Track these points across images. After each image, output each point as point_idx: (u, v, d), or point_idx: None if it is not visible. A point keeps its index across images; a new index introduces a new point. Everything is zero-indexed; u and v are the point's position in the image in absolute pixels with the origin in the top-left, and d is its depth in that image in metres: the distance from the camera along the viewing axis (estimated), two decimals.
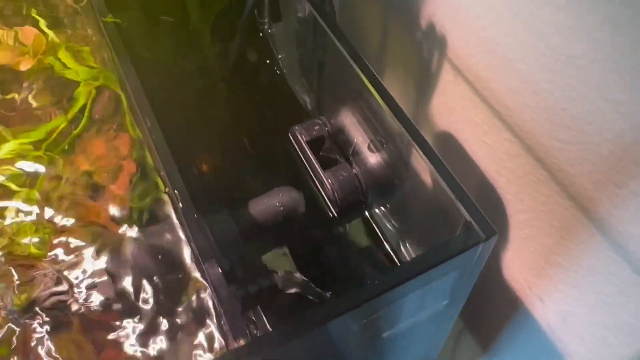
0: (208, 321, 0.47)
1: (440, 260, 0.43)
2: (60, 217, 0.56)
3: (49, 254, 0.55)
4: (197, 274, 0.48)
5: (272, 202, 0.56)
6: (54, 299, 0.50)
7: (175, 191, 0.46)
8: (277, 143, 0.69)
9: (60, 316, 0.50)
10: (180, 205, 0.45)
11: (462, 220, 0.47)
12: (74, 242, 0.54)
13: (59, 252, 0.55)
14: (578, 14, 0.46)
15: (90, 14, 0.63)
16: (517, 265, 0.66)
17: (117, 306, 0.50)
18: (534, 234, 0.61)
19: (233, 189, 0.68)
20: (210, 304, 0.48)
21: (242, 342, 0.39)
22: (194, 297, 0.48)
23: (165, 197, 0.54)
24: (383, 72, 0.78)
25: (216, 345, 0.46)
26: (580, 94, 0.49)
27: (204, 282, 0.47)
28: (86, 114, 0.62)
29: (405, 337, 0.55)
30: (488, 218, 0.49)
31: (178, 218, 0.49)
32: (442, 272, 0.44)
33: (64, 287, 0.51)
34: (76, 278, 0.52)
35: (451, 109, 0.66)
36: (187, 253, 0.50)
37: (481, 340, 0.83)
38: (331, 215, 0.59)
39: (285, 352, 0.40)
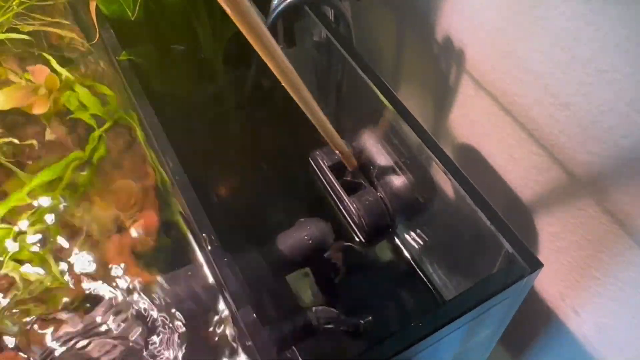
0: None
1: (485, 297, 0.41)
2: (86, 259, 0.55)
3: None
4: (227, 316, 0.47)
5: (300, 236, 0.54)
6: None
7: (204, 235, 0.45)
8: (297, 169, 0.67)
9: None
10: (209, 248, 0.44)
11: (502, 249, 0.45)
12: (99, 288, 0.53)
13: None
14: (607, 27, 0.44)
15: (103, 52, 0.62)
16: (548, 277, 0.65)
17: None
18: (565, 247, 0.60)
19: (257, 217, 0.66)
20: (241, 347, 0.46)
21: None
22: (227, 340, 0.47)
23: (189, 235, 0.53)
24: (400, 89, 0.77)
25: None
26: (611, 107, 0.47)
27: (238, 326, 0.46)
28: (102, 146, 0.61)
29: None
30: (524, 240, 0.47)
31: (205, 258, 0.48)
32: (486, 308, 0.43)
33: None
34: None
35: (473, 123, 0.65)
36: (217, 295, 0.49)
37: (512, 350, 0.82)
38: (358, 241, 0.58)
39: None
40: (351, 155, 0.57)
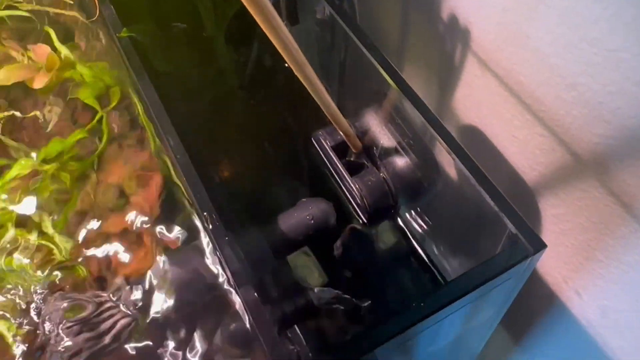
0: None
1: (488, 277, 0.41)
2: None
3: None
4: (230, 295, 0.47)
5: (302, 216, 0.54)
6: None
7: (205, 213, 0.44)
8: (300, 149, 0.67)
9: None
10: (211, 227, 0.44)
11: (505, 230, 0.45)
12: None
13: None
14: (615, 6, 0.44)
15: (103, 29, 0.61)
16: (551, 260, 0.65)
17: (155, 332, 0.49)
18: (569, 229, 0.60)
19: (259, 198, 0.66)
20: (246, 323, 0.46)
21: None
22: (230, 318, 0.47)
23: (193, 212, 0.53)
24: (404, 68, 0.76)
25: None
26: (619, 88, 0.47)
27: (239, 304, 0.46)
28: (104, 127, 0.60)
29: (446, 349, 0.53)
30: (527, 221, 0.47)
31: (207, 236, 0.48)
32: (489, 288, 0.43)
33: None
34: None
35: (479, 104, 0.65)
36: (218, 272, 0.49)
37: (513, 333, 0.82)
38: (360, 222, 0.58)
39: None
40: (356, 136, 0.56)
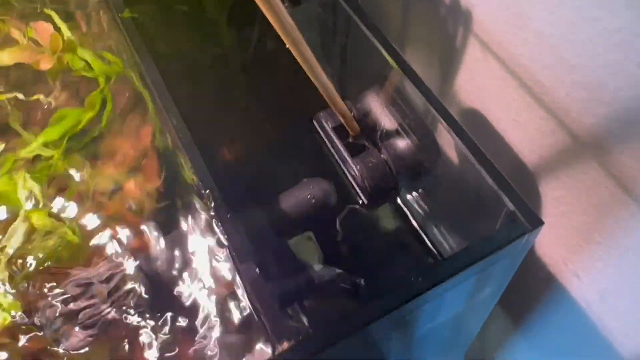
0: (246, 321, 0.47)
1: (486, 254, 0.41)
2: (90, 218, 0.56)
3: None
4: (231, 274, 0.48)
5: (303, 195, 0.54)
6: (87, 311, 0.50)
7: (207, 191, 0.45)
8: (301, 130, 0.67)
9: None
10: (213, 205, 0.44)
11: (504, 208, 0.45)
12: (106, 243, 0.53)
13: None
14: None
15: (106, 10, 0.61)
16: (551, 242, 0.65)
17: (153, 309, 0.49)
18: (569, 211, 0.60)
19: (260, 179, 0.66)
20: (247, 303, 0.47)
21: (285, 344, 0.38)
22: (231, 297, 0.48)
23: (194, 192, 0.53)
24: (406, 51, 0.76)
25: (257, 346, 0.45)
26: (620, 69, 0.47)
27: (241, 282, 0.46)
28: (108, 107, 0.61)
29: (444, 328, 0.54)
30: (526, 199, 0.47)
31: (208, 215, 0.48)
32: (486, 265, 0.43)
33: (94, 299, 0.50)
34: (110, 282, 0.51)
35: (480, 87, 0.65)
36: (220, 252, 0.49)
37: (513, 316, 0.83)
38: (361, 203, 0.58)
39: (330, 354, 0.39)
40: (352, 119, 0.57)
